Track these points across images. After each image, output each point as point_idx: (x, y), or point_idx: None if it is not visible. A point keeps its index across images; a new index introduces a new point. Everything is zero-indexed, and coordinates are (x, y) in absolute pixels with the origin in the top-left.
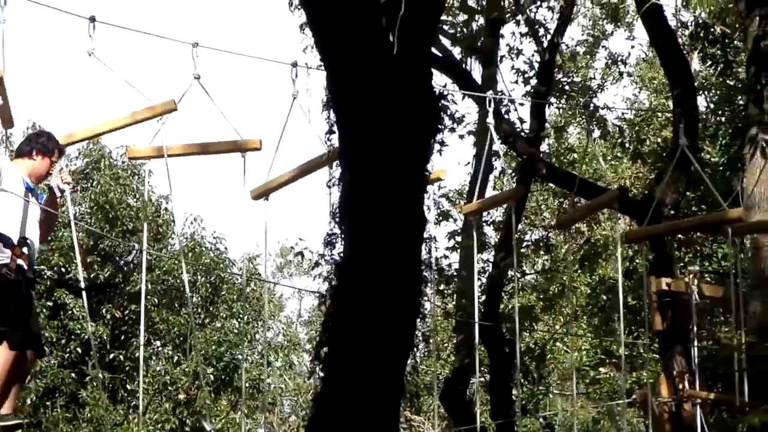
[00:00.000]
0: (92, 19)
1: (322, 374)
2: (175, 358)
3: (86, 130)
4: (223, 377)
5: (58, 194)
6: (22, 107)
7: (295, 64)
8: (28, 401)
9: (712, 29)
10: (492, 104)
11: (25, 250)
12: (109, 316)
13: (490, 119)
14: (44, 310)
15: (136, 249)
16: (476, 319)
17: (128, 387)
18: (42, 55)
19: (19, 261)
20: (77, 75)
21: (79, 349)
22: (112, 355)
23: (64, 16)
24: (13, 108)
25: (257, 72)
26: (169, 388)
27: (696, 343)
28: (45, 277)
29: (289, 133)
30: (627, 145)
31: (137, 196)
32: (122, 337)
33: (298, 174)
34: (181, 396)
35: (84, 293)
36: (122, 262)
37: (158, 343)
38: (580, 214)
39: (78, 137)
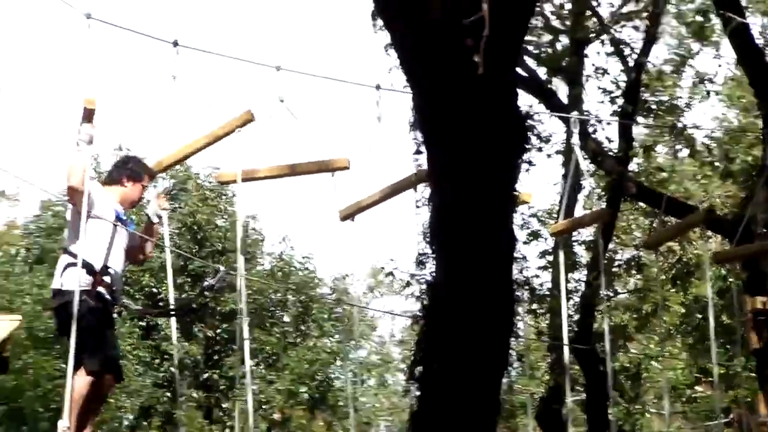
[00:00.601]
0: (175, 44)
1: (417, 393)
2: (269, 377)
3: (172, 155)
4: (316, 396)
5: (156, 220)
6: (109, 130)
7: (378, 87)
8: (125, 422)
9: None
10: (577, 125)
11: (107, 278)
12: (201, 336)
13: (576, 140)
14: (137, 330)
15: (222, 271)
16: (565, 340)
17: (223, 406)
18: (126, 79)
19: (100, 288)
20: (161, 98)
21: (173, 369)
22: (206, 375)
23: (148, 40)
24: (99, 131)
25: (342, 94)
26: (264, 407)
27: None
28: (130, 308)
29: (375, 154)
30: (716, 164)
31: (225, 217)
32: (215, 357)
33: (384, 196)
34: (276, 415)
35: (173, 317)
36: (209, 283)
37: (251, 362)
38: (669, 235)
39: (166, 164)
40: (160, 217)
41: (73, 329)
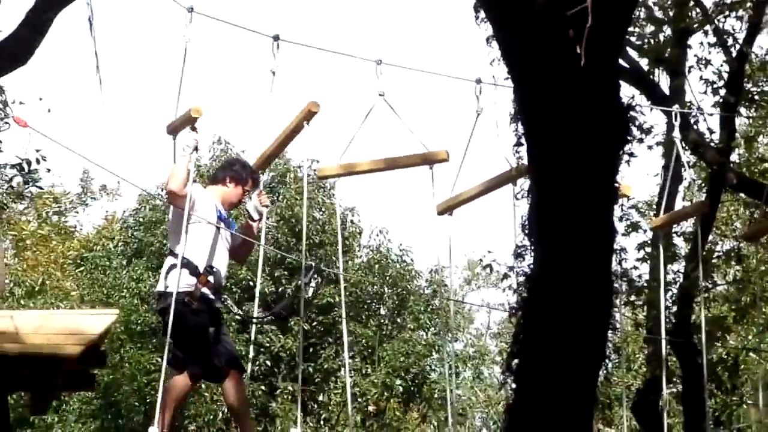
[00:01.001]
0: (276, 38)
1: (513, 386)
2: (364, 370)
3: (270, 148)
4: (412, 388)
5: (256, 217)
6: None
7: (479, 81)
8: (220, 414)
9: None
10: (678, 118)
11: (211, 278)
12: (297, 329)
13: (677, 133)
14: (233, 324)
15: (315, 263)
16: (663, 333)
17: (318, 399)
18: (229, 72)
19: (204, 289)
20: (262, 92)
21: (268, 362)
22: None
23: (249, 34)
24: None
25: (442, 87)
26: (359, 399)
27: None
28: (232, 312)
29: (474, 148)
30: None
31: (323, 210)
32: (311, 349)
33: (483, 190)
34: (371, 407)
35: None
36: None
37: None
38: (767, 226)
39: (266, 156)
40: (260, 215)
41: (169, 330)
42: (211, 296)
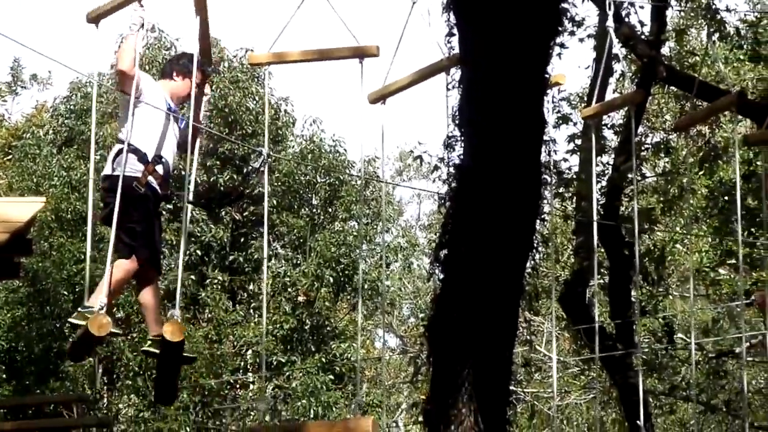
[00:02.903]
0: None
1: (441, 276)
2: (295, 260)
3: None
4: (342, 279)
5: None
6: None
7: None
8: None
9: None
10: (612, 7)
11: (159, 168)
12: (228, 219)
13: (610, 23)
14: (164, 213)
15: (255, 152)
16: (594, 222)
17: (248, 288)
18: None
19: (150, 178)
20: None
21: (199, 252)
22: (231, 257)
23: None
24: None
25: None
26: (289, 289)
27: None
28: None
29: (407, 38)
30: (745, 46)
31: (257, 99)
32: (242, 239)
33: (416, 79)
34: (301, 297)
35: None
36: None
37: (278, 244)
38: (699, 117)
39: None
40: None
41: (116, 213)
42: (156, 186)
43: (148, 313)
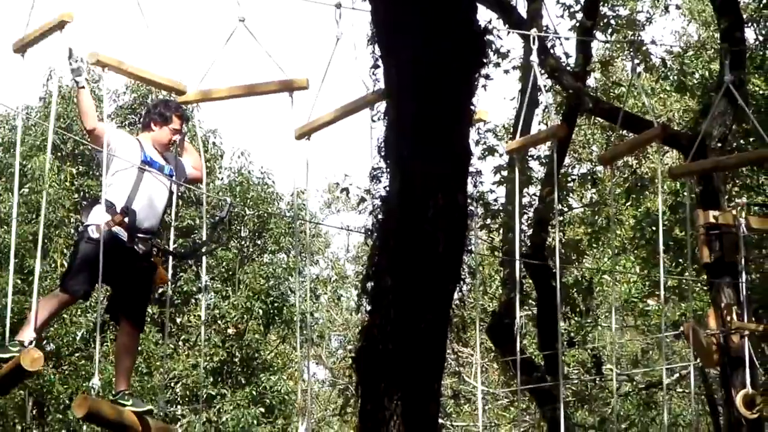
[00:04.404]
0: None
1: (368, 307)
2: (224, 292)
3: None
4: (271, 311)
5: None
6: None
7: (339, 5)
8: (79, 335)
9: None
10: (536, 42)
11: (126, 219)
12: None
13: (534, 57)
14: None
15: (229, 203)
16: (517, 255)
17: (177, 320)
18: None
19: (115, 229)
20: (118, 23)
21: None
22: (161, 290)
23: None
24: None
25: (302, 12)
26: (219, 322)
27: (744, 276)
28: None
29: (334, 72)
30: (671, 78)
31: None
32: (171, 272)
33: (341, 114)
34: (231, 330)
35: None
36: (220, 216)
37: (207, 277)
38: (624, 150)
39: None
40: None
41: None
42: (122, 236)
43: (116, 366)
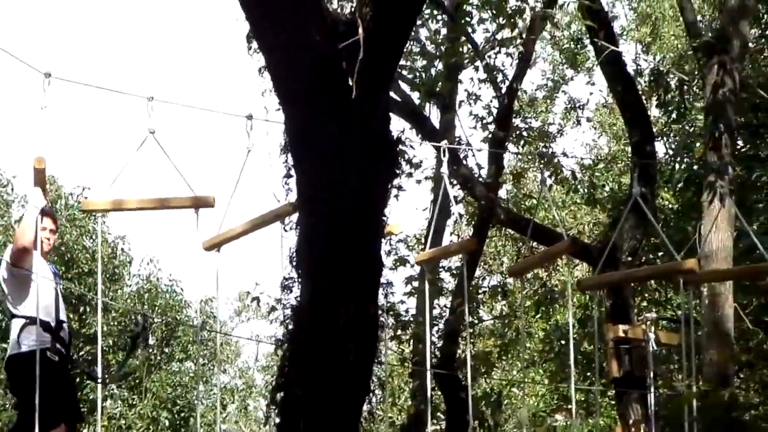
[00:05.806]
0: (47, 75)
1: (277, 419)
2: (131, 400)
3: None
4: (178, 422)
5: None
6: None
7: (250, 117)
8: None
9: (669, 76)
10: (447, 153)
11: (62, 334)
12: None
13: (444, 169)
14: None
15: (142, 318)
16: (428, 366)
17: (83, 430)
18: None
19: (58, 345)
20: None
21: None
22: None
23: (22, 69)
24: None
25: (215, 123)
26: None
27: (652, 391)
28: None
29: (246, 182)
30: (581, 190)
31: (93, 238)
32: (77, 379)
33: (250, 227)
34: None
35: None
36: (137, 330)
37: (113, 385)
38: (533, 263)
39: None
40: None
41: (37, 388)
42: (63, 350)
43: None
